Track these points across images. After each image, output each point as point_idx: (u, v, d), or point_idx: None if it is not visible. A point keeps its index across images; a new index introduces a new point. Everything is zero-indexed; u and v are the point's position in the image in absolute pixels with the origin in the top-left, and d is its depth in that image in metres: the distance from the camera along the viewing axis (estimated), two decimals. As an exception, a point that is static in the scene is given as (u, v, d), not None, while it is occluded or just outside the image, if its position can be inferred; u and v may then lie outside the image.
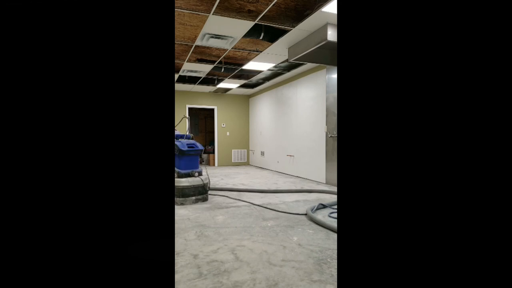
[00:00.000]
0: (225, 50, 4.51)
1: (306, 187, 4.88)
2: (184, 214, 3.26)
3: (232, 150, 8.98)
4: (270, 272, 1.82)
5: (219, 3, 2.94)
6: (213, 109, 9.19)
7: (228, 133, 8.89)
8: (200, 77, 6.56)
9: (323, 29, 3.53)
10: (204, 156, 9.43)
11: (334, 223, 2.80)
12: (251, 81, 6.93)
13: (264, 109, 8.06)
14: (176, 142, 3.95)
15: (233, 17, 3.30)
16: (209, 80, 6.83)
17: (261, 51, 4.57)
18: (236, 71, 5.87)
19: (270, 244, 2.31)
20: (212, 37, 3.94)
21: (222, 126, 8.65)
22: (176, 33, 3.77)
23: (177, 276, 1.77)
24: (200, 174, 3.97)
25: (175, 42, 4.10)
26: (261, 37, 3.84)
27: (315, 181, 5.56)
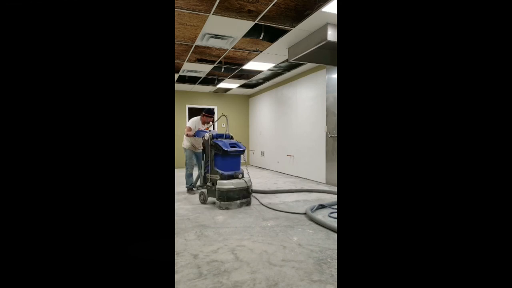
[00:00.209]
0: (225, 50, 4.51)
1: (306, 187, 4.87)
2: (184, 214, 3.26)
3: (232, 150, 8.97)
4: (270, 272, 1.82)
5: (219, 3, 2.94)
6: (213, 109, 9.19)
7: (228, 133, 8.88)
8: (200, 77, 6.56)
9: (323, 29, 3.52)
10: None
11: (334, 223, 2.80)
12: (251, 81, 6.93)
13: (264, 109, 8.05)
14: (217, 142, 3.65)
15: (233, 17, 3.29)
16: (209, 80, 6.83)
17: (261, 51, 4.57)
18: (236, 71, 5.87)
19: (270, 244, 2.31)
20: (212, 37, 3.93)
21: (222, 126, 8.65)
22: (176, 33, 3.76)
23: (177, 276, 1.77)
24: (243, 175, 3.71)
25: (175, 42, 4.09)
26: (261, 37, 3.84)
27: (315, 181, 5.55)
